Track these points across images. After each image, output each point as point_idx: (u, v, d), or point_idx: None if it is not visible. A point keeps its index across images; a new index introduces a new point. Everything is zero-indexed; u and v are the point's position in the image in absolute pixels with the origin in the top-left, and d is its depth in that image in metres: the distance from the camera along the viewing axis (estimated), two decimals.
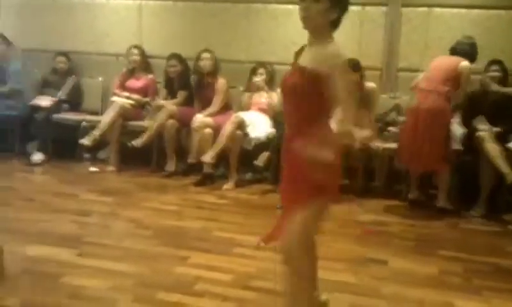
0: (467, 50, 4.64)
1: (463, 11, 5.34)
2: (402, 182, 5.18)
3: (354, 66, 5.15)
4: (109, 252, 3.52)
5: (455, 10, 5.37)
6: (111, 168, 5.65)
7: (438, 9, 5.42)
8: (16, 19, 6.63)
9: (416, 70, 5.12)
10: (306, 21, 2.25)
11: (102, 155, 6.05)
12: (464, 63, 4.55)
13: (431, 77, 4.62)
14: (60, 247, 3.54)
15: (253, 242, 3.79)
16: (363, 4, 5.63)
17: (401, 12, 5.56)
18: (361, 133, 5.02)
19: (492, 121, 4.75)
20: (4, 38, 6.18)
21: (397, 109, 5.44)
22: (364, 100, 5.15)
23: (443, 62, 4.67)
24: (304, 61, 2.29)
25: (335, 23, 2.28)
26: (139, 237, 3.83)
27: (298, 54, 2.40)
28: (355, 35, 5.64)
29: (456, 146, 4.77)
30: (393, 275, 3.38)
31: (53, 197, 4.68)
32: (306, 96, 2.23)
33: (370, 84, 5.27)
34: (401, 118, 5.28)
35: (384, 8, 5.60)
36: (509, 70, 4.98)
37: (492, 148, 4.52)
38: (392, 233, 4.22)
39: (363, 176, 5.26)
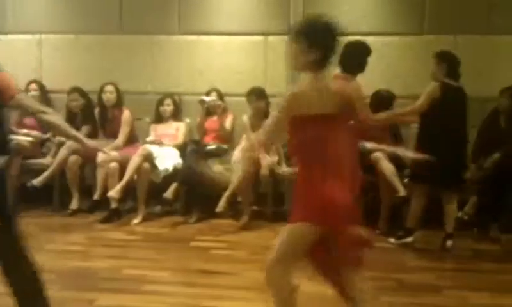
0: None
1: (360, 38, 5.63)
2: None
3: (260, 94, 5.30)
4: (5, 301, 3.27)
5: (351, 38, 5.64)
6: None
7: None
8: None
9: None
10: (291, 61, 2.36)
11: None
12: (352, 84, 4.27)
13: None
14: None
15: (165, 277, 3.73)
16: (266, 34, 5.80)
17: None
18: (269, 160, 5.14)
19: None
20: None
21: None
22: None
23: None
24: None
25: (320, 63, 2.32)
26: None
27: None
28: (260, 64, 5.79)
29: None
30: (305, 299, 3.41)
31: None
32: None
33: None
34: None
35: (285, 37, 5.76)
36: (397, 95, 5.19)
37: (386, 167, 4.73)
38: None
39: (273, 201, 5.33)
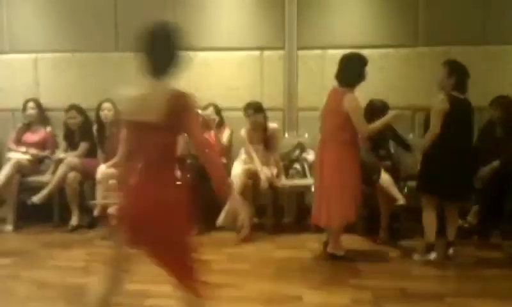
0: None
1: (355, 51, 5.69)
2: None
3: (257, 108, 5.33)
4: None
5: (347, 51, 5.70)
6: (8, 227, 5.31)
7: (331, 51, 5.71)
8: None
9: (316, 109, 5.35)
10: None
11: None
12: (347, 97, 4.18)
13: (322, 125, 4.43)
14: None
15: (168, 291, 3.69)
16: (262, 49, 5.84)
17: (297, 55, 5.82)
18: (268, 172, 5.16)
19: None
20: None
21: (300, 147, 5.61)
22: (268, 140, 5.30)
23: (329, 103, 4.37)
24: None
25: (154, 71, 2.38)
26: (44, 299, 3.60)
27: None
28: (257, 78, 5.83)
29: None
30: None
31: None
32: None
33: (273, 125, 5.42)
34: (305, 155, 5.48)
35: (281, 52, 5.84)
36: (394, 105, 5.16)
37: (383, 178, 4.74)
38: (304, 267, 4.29)
39: (273, 213, 5.33)
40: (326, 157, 4.27)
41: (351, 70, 4.26)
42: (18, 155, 5.48)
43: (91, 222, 5.36)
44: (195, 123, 2.37)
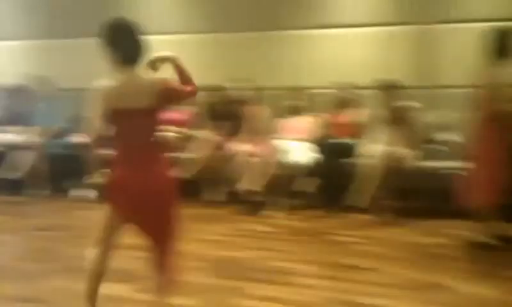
0: None
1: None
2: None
3: (394, 86, 5.16)
4: None
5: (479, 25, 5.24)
6: None
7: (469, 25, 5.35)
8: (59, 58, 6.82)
9: (460, 87, 5.05)
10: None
11: None
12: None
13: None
14: (118, 282, 3.57)
15: (314, 270, 3.78)
16: (400, 24, 5.70)
17: (437, 29, 5.56)
18: (406, 153, 4.99)
19: None
20: (36, 79, 6.39)
21: (440, 127, 5.35)
22: (406, 119, 5.12)
23: None
24: None
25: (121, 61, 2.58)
26: (194, 270, 3.81)
27: None
28: (393, 55, 5.71)
29: None
30: (459, 301, 3.28)
31: None
32: None
33: (411, 103, 5.22)
34: (446, 136, 5.21)
35: (422, 26, 5.59)
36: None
37: None
38: (449, 254, 4.12)
39: (411, 197, 5.17)
40: (487, 137, 4.01)
41: (507, 44, 3.98)
42: (169, 134, 5.82)
43: (233, 198, 5.57)
44: (176, 87, 2.66)
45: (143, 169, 2.61)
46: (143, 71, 2.64)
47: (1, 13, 7.22)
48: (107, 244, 2.74)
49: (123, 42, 2.58)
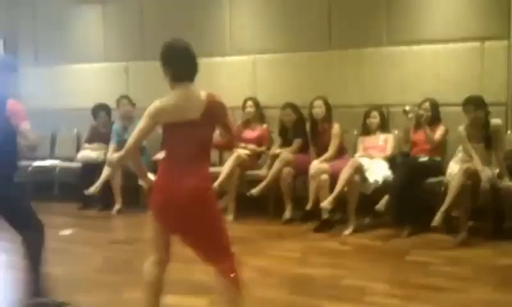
0: None
1: None
2: None
3: (478, 103, 4.96)
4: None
5: None
6: (229, 217, 5.75)
7: None
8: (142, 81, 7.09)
9: None
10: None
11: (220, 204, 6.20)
12: None
13: None
14: (192, 295, 3.63)
15: (386, 290, 3.68)
16: (482, 39, 5.47)
17: None
18: (489, 172, 4.79)
19: None
20: (129, 100, 6.67)
21: None
22: (490, 137, 4.92)
23: None
24: None
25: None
26: (268, 286, 3.81)
27: None
28: (476, 71, 5.48)
29: None
30: None
31: (183, 247, 4.83)
32: None
33: (495, 121, 5.01)
34: None
35: (505, 42, 5.37)
36: None
37: None
38: None
39: (494, 217, 4.93)
40: None
41: None
42: (240, 151, 5.90)
43: (303, 216, 5.56)
44: (228, 115, 2.81)
45: (183, 180, 2.61)
46: (196, 88, 2.71)
47: (92, 38, 7.65)
48: (158, 256, 2.78)
49: (179, 61, 2.66)
